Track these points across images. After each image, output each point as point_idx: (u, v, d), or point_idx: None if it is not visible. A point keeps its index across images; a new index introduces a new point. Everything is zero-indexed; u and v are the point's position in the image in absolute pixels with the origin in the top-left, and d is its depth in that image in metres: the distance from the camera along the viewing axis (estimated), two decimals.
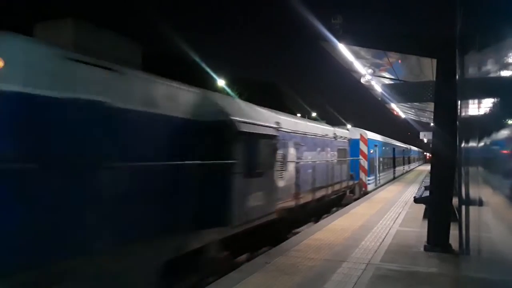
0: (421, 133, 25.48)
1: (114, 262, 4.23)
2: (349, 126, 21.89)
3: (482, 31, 2.46)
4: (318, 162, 11.57)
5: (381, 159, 22.50)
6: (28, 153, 3.56)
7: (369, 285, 5.28)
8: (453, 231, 6.91)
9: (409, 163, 43.50)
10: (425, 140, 31.26)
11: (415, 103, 13.24)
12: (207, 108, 5.97)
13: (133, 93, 4.76)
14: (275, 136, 7.52)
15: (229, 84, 32.15)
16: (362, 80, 11.88)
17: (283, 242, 7.85)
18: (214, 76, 30.05)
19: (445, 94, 6.74)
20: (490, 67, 2.20)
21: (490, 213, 2.28)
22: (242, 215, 6.21)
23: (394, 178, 28.04)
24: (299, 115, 22.70)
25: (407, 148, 41.36)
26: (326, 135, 12.78)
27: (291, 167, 9.53)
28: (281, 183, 8.68)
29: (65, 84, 3.88)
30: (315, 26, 7.39)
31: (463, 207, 4.80)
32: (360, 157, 17.99)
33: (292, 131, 9.76)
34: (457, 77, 5.19)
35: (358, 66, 10.08)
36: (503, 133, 1.72)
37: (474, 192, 3.14)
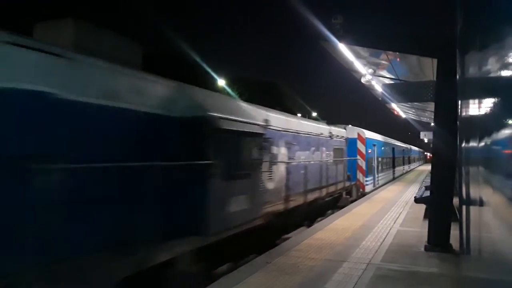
0: (421, 133, 25.53)
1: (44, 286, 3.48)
2: (347, 125, 21.78)
3: (483, 31, 2.46)
4: (311, 162, 10.99)
5: (379, 159, 22.12)
6: None
7: (370, 285, 5.28)
8: (454, 231, 6.91)
9: (409, 163, 43.39)
10: (426, 140, 31.29)
11: (416, 103, 13.25)
12: (182, 103, 5.45)
13: (86, 83, 4.19)
14: (262, 134, 7.02)
15: (229, 84, 32.18)
16: (363, 80, 11.87)
17: (283, 242, 7.84)
18: (215, 76, 30.12)
19: (446, 94, 6.74)
20: (490, 67, 2.19)
21: (490, 213, 2.27)
22: (220, 222, 5.68)
23: (394, 178, 27.78)
24: (299, 115, 22.66)
25: (407, 148, 41.27)
26: (321, 134, 12.25)
27: (281, 168, 8.98)
28: (269, 185, 8.15)
29: None
30: (316, 26, 7.39)
31: (464, 207, 4.78)
32: (358, 157, 17.54)
33: (283, 129, 9.26)
34: (457, 77, 5.19)
35: (359, 65, 10.09)
36: (504, 133, 1.71)
37: (474, 192, 3.13)
